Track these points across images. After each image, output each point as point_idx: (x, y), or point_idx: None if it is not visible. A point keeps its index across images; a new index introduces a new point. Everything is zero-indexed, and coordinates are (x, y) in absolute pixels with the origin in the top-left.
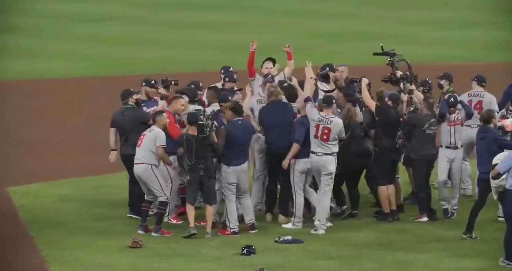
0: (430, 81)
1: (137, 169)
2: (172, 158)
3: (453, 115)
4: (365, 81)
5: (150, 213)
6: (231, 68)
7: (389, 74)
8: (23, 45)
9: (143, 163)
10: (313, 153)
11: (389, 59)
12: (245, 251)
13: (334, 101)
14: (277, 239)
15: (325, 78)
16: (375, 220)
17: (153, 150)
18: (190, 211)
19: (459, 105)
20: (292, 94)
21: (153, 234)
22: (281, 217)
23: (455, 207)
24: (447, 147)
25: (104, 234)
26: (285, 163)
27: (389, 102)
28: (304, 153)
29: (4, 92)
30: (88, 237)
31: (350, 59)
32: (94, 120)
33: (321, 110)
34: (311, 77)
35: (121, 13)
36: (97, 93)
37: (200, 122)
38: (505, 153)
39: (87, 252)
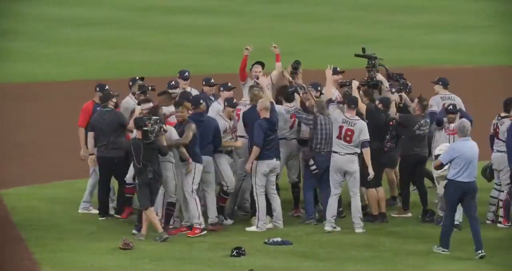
0: (410, 84)
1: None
2: None
3: (452, 124)
4: (355, 84)
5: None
6: (186, 73)
7: (365, 78)
8: (16, 49)
9: (166, 161)
10: (335, 152)
11: (368, 62)
12: (235, 252)
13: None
14: (266, 241)
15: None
16: (364, 221)
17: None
18: (151, 214)
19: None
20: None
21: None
22: (269, 218)
23: (460, 220)
24: None
25: (95, 236)
26: (247, 167)
27: (380, 106)
28: (264, 155)
29: None
30: (79, 239)
31: (341, 63)
32: None
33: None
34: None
35: (113, 17)
36: (89, 97)
37: (144, 128)
38: (448, 144)
39: (78, 254)
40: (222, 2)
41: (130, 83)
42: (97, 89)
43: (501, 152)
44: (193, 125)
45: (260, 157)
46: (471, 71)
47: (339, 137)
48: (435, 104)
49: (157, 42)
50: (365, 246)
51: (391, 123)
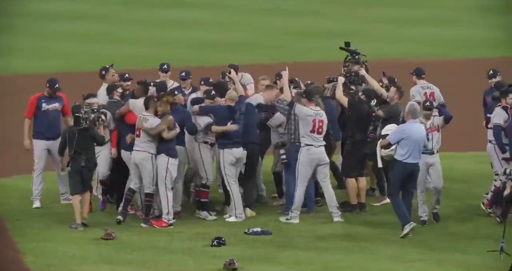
0: (396, 80)
1: (136, 156)
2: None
3: (429, 121)
4: (341, 79)
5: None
6: (165, 65)
7: (344, 73)
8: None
9: (144, 151)
10: (310, 145)
11: (347, 57)
12: (215, 242)
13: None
14: (246, 231)
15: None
16: (342, 212)
17: (153, 139)
18: (76, 202)
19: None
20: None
21: (142, 225)
22: (247, 210)
23: (437, 206)
24: (423, 152)
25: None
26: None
27: (362, 97)
28: (229, 144)
29: None
30: (62, 229)
31: (320, 57)
32: None
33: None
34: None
35: (95, 11)
36: (70, 89)
37: (76, 114)
38: (395, 125)
39: (61, 244)
40: None
41: (103, 72)
42: (47, 84)
43: (490, 141)
44: (170, 118)
45: (225, 146)
46: (448, 64)
47: (312, 131)
48: (417, 94)
49: (138, 36)
50: (344, 235)
51: (373, 114)
